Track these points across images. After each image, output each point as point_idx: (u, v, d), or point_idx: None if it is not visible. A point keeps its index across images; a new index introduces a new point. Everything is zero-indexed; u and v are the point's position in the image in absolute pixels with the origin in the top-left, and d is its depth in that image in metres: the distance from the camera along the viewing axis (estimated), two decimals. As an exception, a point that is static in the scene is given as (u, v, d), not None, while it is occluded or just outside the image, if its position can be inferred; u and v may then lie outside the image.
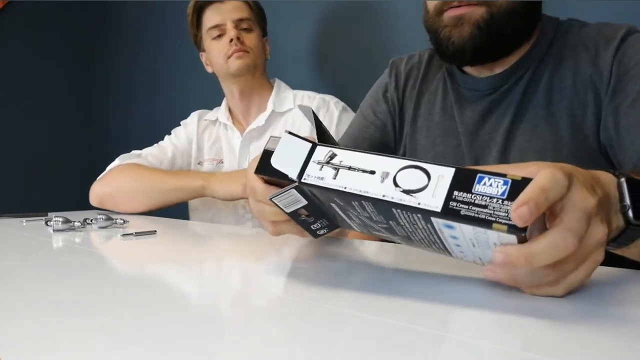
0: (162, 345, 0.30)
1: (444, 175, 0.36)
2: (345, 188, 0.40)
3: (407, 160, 0.39)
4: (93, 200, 1.24)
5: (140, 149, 1.37)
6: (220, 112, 1.37)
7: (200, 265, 0.62)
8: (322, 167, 0.42)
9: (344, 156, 0.41)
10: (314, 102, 1.29)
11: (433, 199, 0.36)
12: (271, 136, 0.47)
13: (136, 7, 2.20)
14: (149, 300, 0.42)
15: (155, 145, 1.38)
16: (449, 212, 0.35)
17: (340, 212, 0.45)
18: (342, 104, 1.30)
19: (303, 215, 0.47)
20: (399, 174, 0.38)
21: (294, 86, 1.37)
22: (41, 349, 0.30)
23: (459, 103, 0.77)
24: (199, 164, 1.36)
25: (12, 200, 2.10)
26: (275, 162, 0.44)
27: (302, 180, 0.42)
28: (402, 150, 0.85)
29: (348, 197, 0.40)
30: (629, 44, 0.65)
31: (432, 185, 0.37)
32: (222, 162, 1.34)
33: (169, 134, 1.40)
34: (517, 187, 0.34)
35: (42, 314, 0.38)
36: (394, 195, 0.38)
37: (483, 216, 0.34)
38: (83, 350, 0.30)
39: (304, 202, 0.45)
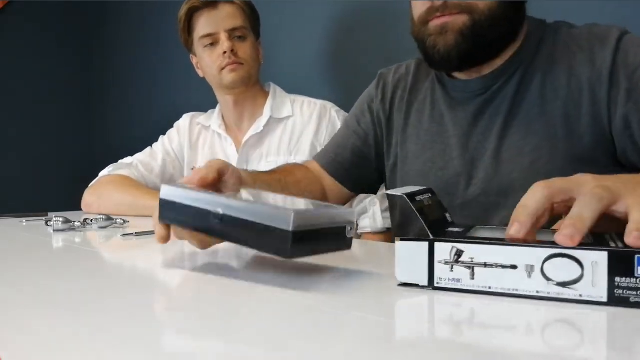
0: (161, 345, 0.30)
1: (597, 261, 0.35)
2: (490, 288, 0.38)
3: (550, 249, 0.36)
4: (82, 206, 1.29)
5: (140, 150, 1.37)
6: (213, 120, 1.36)
7: (201, 265, 0.62)
8: (451, 267, 0.39)
9: (473, 252, 0.39)
10: (315, 109, 1.28)
11: (595, 290, 0.35)
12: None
13: (136, 7, 2.20)
14: (148, 300, 0.42)
15: (148, 149, 1.38)
16: (617, 301, 0.35)
17: None
18: (341, 111, 1.29)
19: None
20: (545, 265, 0.36)
21: (295, 90, 1.36)
22: (41, 349, 0.30)
23: (451, 106, 0.78)
24: (192, 169, 1.36)
25: (12, 200, 2.10)
26: (401, 276, 0.42)
27: (436, 286, 0.40)
28: (393, 160, 0.86)
29: (494, 294, 0.38)
30: (626, 44, 0.66)
31: (588, 274, 0.35)
32: None
33: (164, 134, 1.40)
34: None
35: (42, 314, 0.38)
36: (550, 291, 0.36)
37: None
38: (83, 350, 0.30)
39: None
